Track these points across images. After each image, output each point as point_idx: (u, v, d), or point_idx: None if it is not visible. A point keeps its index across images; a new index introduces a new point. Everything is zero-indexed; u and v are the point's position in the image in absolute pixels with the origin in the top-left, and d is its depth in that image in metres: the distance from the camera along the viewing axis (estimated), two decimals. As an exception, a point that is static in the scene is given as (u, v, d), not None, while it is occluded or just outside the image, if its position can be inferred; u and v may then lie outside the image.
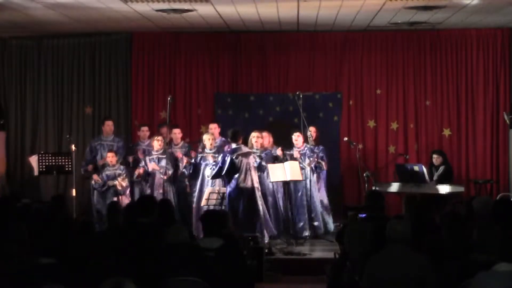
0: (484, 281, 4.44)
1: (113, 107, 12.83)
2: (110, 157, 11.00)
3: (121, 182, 10.85)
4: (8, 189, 12.28)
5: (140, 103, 12.80)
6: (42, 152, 11.75)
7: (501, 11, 10.72)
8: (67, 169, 11.24)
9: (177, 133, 11.41)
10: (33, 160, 11.49)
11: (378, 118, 12.74)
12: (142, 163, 11.06)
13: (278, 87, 12.83)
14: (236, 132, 10.33)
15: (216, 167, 10.20)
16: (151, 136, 11.35)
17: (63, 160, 11.23)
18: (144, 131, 11.55)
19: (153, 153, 11.09)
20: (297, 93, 11.23)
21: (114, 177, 10.92)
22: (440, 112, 12.66)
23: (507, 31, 12.54)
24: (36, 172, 11.42)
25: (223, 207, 10.06)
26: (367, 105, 12.75)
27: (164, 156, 10.96)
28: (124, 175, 10.94)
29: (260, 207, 10.17)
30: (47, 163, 11.18)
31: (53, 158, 11.25)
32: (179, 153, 11.15)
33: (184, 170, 11.11)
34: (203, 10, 10.46)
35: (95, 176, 11.03)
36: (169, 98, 11.15)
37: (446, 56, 12.64)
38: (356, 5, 10.19)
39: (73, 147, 11.36)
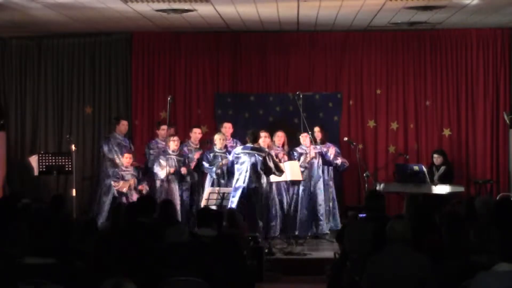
0: (484, 281, 4.44)
1: (113, 107, 12.83)
2: (128, 158, 11.00)
3: (146, 187, 10.97)
4: (8, 189, 12.28)
5: (140, 103, 12.79)
6: (42, 152, 11.76)
7: (501, 11, 10.72)
8: (67, 169, 11.25)
9: (197, 132, 11.45)
10: (33, 160, 11.50)
11: (378, 118, 12.73)
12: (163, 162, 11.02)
13: (278, 87, 12.83)
14: (255, 133, 10.34)
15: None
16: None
17: (63, 160, 11.23)
18: (164, 129, 11.37)
19: (170, 152, 11.04)
20: (297, 93, 11.23)
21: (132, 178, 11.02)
22: (440, 112, 12.65)
23: (507, 31, 12.55)
24: (36, 172, 11.42)
25: (222, 207, 10.08)
26: (367, 105, 12.75)
27: (182, 158, 11.01)
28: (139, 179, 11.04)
29: (263, 208, 10.18)
30: (47, 163, 11.19)
31: (53, 158, 11.26)
32: (198, 154, 11.14)
33: (187, 177, 11.17)
34: (203, 10, 10.46)
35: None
36: (169, 98, 11.15)
37: (446, 56, 12.64)
38: (356, 5, 10.19)
39: (73, 147, 11.37)
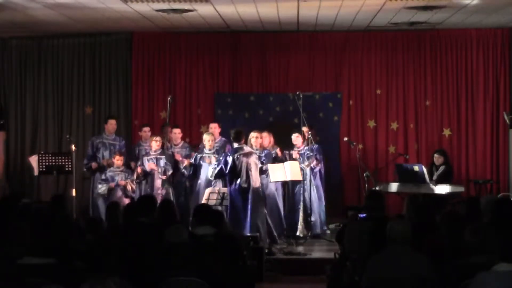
0: (484, 281, 4.44)
1: (113, 107, 12.83)
2: (119, 160, 10.98)
3: (132, 185, 10.89)
4: (8, 189, 12.27)
5: (140, 103, 12.80)
6: (42, 152, 11.75)
7: (501, 11, 10.72)
8: (67, 169, 11.24)
9: (177, 133, 11.41)
10: (33, 160, 11.50)
11: (378, 118, 12.74)
12: (139, 163, 11.05)
13: (278, 87, 12.83)
14: (239, 132, 10.29)
15: (217, 166, 10.17)
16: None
17: (63, 160, 11.22)
18: (146, 131, 11.51)
19: (151, 153, 11.07)
20: (297, 93, 11.22)
21: (122, 179, 10.92)
22: (440, 112, 12.66)
23: (507, 31, 12.55)
24: (36, 172, 11.42)
25: (223, 207, 10.06)
26: (367, 105, 12.75)
27: (163, 156, 10.97)
28: (132, 178, 10.97)
29: (262, 208, 10.16)
30: (47, 163, 11.18)
31: (53, 158, 11.25)
32: (178, 156, 11.13)
33: (184, 170, 11.11)
34: (203, 10, 10.46)
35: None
36: (169, 98, 11.17)
37: (446, 56, 12.64)
38: (356, 5, 10.19)
39: (73, 147, 11.36)
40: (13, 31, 12.14)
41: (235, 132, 10.24)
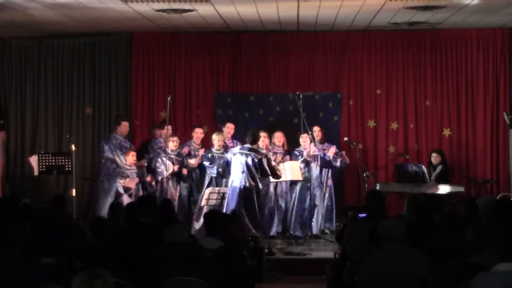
0: (484, 281, 4.44)
1: (113, 107, 12.82)
2: (133, 156, 10.97)
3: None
4: (8, 189, 12.27)
5: (140, 103, 12.79)
6: (42, 152, 11.74)
7: (501, 11, 10.73)
8: (67, 169, 11.23)
9: (199, 132, 11.43)
10: (33, 160, 11.49)
11: (378, 118, 12.74)
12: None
13: (278, 87, 12.83)
14: (255, 134, 10.28)
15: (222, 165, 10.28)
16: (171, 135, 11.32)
17: (63, 160, 11.22)
18: (169, 129, 11.40)
19: (169, 152, 11.04)
20: (297, 93, 11.22)
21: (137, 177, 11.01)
22: (440, 112, 12.66)
23: (507, 31, 12.55)
24: (36, 172, 11.41)
25: (222, 207, 10.07)
26: (367, 105, 12.75)
27: (180, 158, 11.01)
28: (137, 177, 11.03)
29: (256, 208, 10.12)
30: (47, 163, 11.18)
31: (53, 158, 11.25)
32: (201, 151, 11.14)
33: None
34: (203, 10, 10.46)
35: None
36: (169, 98, 11.16)
37: (446, 56, 12.64)
38: (356, 5, 10.20)
39: (73, 147, 11.36)
40: (13, 31, 12.14)
41: (251, 134, 10.21)
